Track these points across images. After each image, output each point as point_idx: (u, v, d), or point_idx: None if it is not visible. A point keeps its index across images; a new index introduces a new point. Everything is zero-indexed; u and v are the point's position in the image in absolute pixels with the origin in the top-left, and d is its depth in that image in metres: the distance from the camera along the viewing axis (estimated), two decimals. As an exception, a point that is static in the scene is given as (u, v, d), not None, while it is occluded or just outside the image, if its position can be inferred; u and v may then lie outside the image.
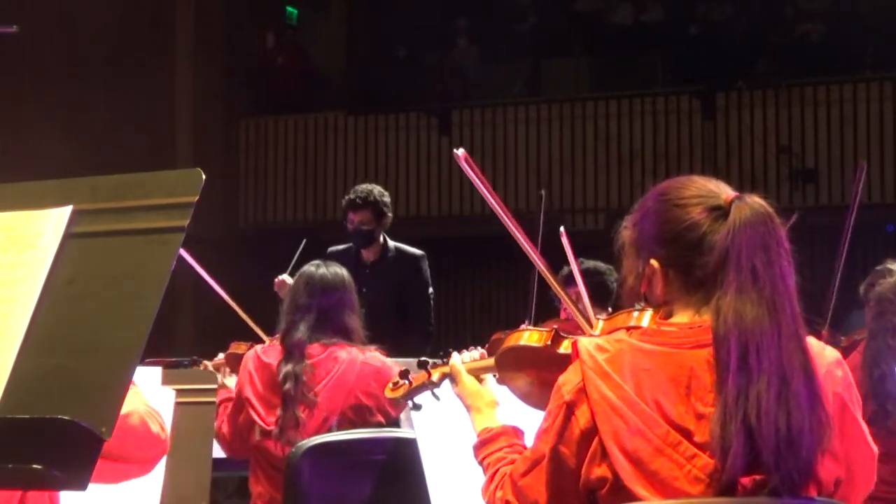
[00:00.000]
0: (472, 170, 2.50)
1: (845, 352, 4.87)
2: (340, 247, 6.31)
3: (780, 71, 11.93)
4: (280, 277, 5.99)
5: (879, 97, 11.33)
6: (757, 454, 1.94)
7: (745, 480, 1.95)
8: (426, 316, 6.29)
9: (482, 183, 2.51)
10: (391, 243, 6.27)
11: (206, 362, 4.99)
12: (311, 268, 4.51)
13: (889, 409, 4.18)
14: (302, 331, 4.33)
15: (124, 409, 2.01)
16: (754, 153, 11.59)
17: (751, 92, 11.70)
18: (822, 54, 11.68)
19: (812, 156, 11.41)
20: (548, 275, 2.71)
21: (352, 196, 6.22)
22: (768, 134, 11.55)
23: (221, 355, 5.03)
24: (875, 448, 2.15)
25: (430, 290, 6.29)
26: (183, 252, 5.14)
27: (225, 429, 4.43)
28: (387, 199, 6.23)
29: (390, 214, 6.24)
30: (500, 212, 2.55)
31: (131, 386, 2.21)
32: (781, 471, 1.95)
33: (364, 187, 6.26)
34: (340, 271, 4.50)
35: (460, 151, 2.47)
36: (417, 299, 6.25)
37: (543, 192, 5.45)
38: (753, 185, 10.71)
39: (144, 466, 2.23)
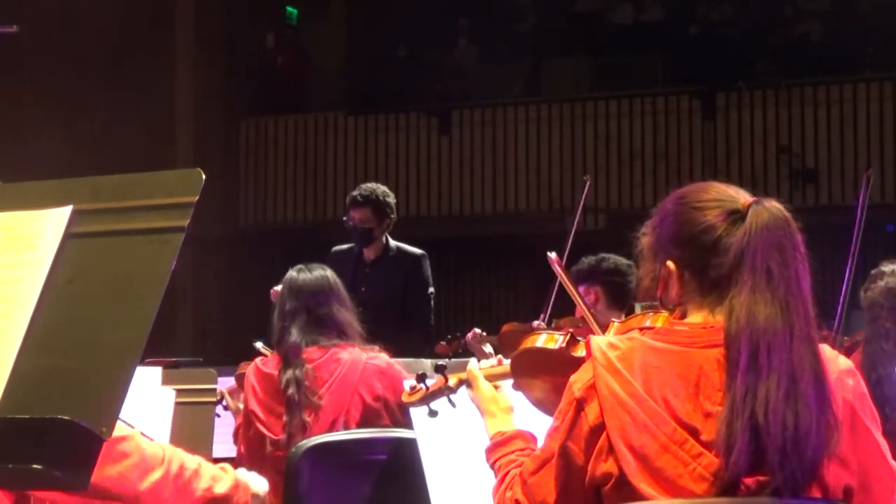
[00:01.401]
0: (562, 272, 2.66)
1: (847, 352, 4.89)
2: (344, 246, 6.32)
3: (780, 71, 11.93)
4: (276, 289, 5.97)
5: (879, 97, 11.34)
6: (762, 453, 1.94)
7: (749, 481, 1.95)
8: (426, 315, 6.26)
9: (570, 285, 2.67)
10: (393, 243, 6.26)
11: (221, 389, 4.96)
12: (293, 273, 4.45)
13: (887, 414, 4.18)
14: (294, 334, 4.28)
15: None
16: (754, 153, 11.59)
17: (751, 92, 11.70)
18: (822, 54, 11.68)
19: (812, 156, 11.42)
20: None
21: (355, 193, 6.21)
22: (768, 134, 11.55)
23: (233, 382, 4.98)
24: (895, 465, 2.12)
25: (431, 290, 6.26)
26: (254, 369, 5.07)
27: (242, 448, 4.40)
28: (390, 200, 6.20)
29: (393, 216, 6.21)
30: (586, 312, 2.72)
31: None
32: (786, 470, 1.94)
33: (369, 186, 6.25)
34: (324, 273, 4.44)
35: (553, 255, 2.58)
36: (417, 298, 6.21)
37: (588, 178, 5.35)
38: (753, 185, 10.71)
39: None
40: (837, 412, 2.01)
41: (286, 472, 3.71)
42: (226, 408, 4.68)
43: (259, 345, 5.02)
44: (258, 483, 2.44)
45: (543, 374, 2.36)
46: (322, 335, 4.32)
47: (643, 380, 2.02)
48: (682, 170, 11.37)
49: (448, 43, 13.29)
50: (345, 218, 6.25)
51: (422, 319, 6.23)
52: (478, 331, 5.83)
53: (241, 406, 4.66)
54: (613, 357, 2.05)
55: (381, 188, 6.23)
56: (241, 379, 4.83)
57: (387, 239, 6.25)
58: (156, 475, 2.10)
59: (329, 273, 4.46)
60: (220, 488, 2.26)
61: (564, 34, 12.87)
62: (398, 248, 6.25)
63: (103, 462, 1.48)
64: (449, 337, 5.88)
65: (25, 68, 10.40)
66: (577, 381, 2.09)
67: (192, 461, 2.22)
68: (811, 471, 1.96)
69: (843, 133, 11.40)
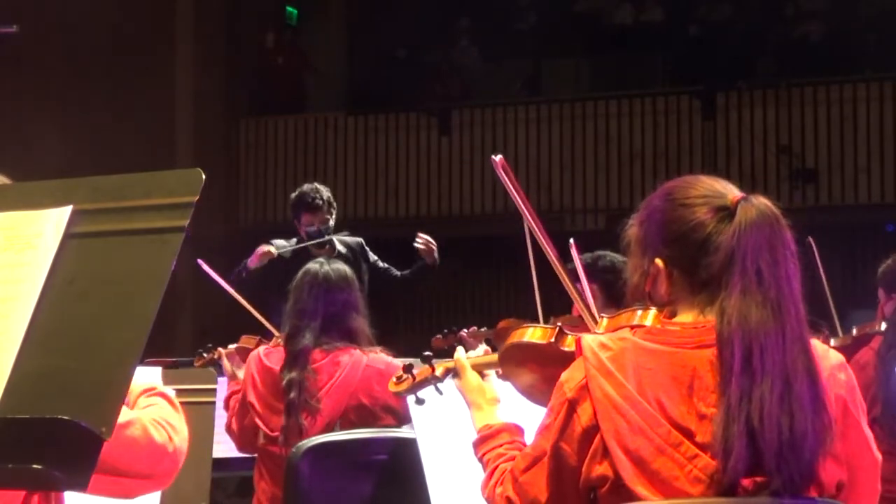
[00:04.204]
0: (508, 177, 2.50)
1: (856, 343, 4.90)
2: (287, 246, 6.36)
3: (780, 71, 11.94)
4: (265, 248, 6.11)
5: (879, 97, 11.34)
6: (759, 456, 1.94)
7: (746, 482, 1.95)
8: (391, 271, 6.46)
9: (517, 191, 2.51)
10: (333, 238, 6.34)
11: (220, 349, 4.99)
12: (314, 266, 4.42)
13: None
14: (308, 338, 4.25)
15: (124, 418, 1.98)
16: (754, 153, 11.60)
17: (751, 92, 11.70)
18: (822, 54, 11.68)
19: (812, 156, 11.42)
20: (563, 275, 2.72)
21: (307, 199, 6.28)
22: (768, 134, 11.55)
23: (233, 346, 5.02)
24: (878, 455, 2.13)
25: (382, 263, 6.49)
26: (214, 275, 5.19)
27: (234, 426, 4.41)
28: (330, 195, 6.39)
29: (335, 211, 6.41)
30: (530, 220, 2.57)
31: (156, 396, 2.20)
32: (783, 473, 1.94)
33: (311, 188, 6.38)
34: (344, 269, 4.43)
35: (498, 158, 2.47)
36: (381, 272, 6.42)
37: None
38: (753, 185, 10.71)
39: (152, 481, 2.12)
40: (831, 411, 2.01)
41: (286, 472, 3.71)
42: (222, 369, 4.71)
43: (201, 262, 5.13)
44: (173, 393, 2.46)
45: (531, 365, 2.35)
46: (331, 339, 4.30)
47: (636, 382, 2.01)
48: (682, 170, 11.35)
49: (448, 43, 13.29)
50: (296, 223, 6.31)
51: (393, 276, 6.43)
52: (475, 327, 5.86)
53: (237, 372, 4.67)
54: (605, 358, 2.04)
55: (322, 187, 6.35)
56: (242, 351, 4.85)
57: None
58: (167, 454, 2.11)
59: (349, 271, 4.44)
60: (185, 429, 2.29)
61: (564, 34, 12.87)
62: (341, 242, 6.33)
63: (113, 446, 1.47)
64: (445, 331, 5.92)
65: (25, 68, 10.40)
66: (569, 381, 2.08)
67: (176, 420, 2.22)
68: (808, 472, 1.96)
69: (843, 133, 11.40)
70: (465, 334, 5.79)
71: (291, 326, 4.33)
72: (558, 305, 5.44)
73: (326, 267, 4.40)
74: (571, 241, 3.66)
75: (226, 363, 4.80)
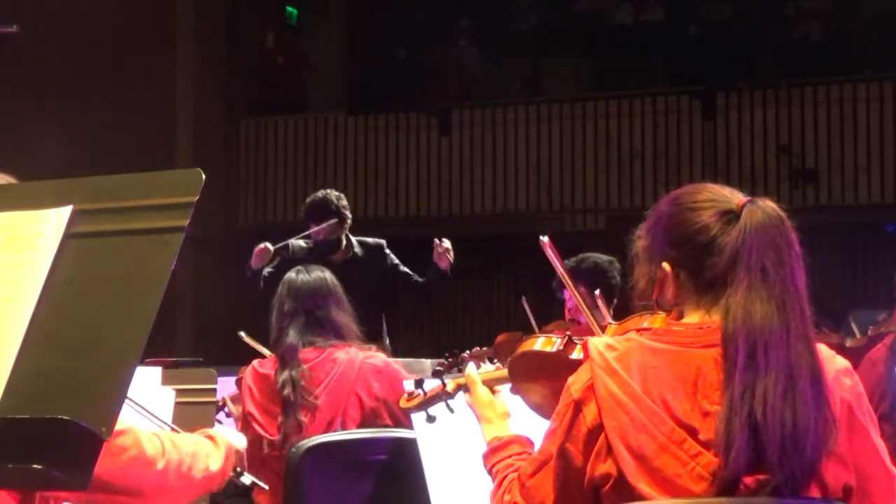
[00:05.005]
0: (554, 254, 2.64)
1: (871, 344, 4.90)
2: (302, 244, 6.34)
3: (780, 71, 11.93)
4: (262, 245, 6.07)
5: (879, 97, 11.34)
6: (761, 451, 1.95)
7: (748, 480, 1.95)
8: (411, 276, 6.40)
9: (562, 266, 2.68)
10: (352, 239, 6.32)
11: (224, 396, 4.95)
12: (291, 274, 4.49)
13: None
14: (292, 335, 4.31)
15: (117, 427, 1.94)
16: (754, 153, 11.59)
17: (751, 92, 11.70)
18: (822, 54, 11.68)
19: (812, 156, 11.42)
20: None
21: (313, 208, 6.25)
22: (768, 134, 11.55)
23: (234, 387, 4.99)
24: (894, 470, 2.11)
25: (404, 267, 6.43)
26: (255, 343, 5.16)
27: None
28: (344, 201, 6.33)
29: (350, 216, 6.29)
30: (574, 292, 2.81)
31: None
32: (785, 469, 1.94)
33: (321, 196, 6.31)
34: (322, 274, 4.48)
35: (545, 239, 2.59)
36: (400, 275, 6.38)
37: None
38: (753, 185, 10.72)
39: (142, 500, 2.08)
40: (835, 410, 2.01)
41: (286, 472, 3.71)
42: (228, 415, 4.67)
43: (242, 334, 5.07)
44: (239, 440, 2.46)
45: (541, 378, 2.35)
46: (319, 336, 4.33)
47: (641, 380, 2.02)
48: (682, 170, 11.37)
49: (448, 43, 13.29)
50: (306, 227, 6.28)
51: (413, 280, 6.37)
52: (477, 348, 5.89)
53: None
54: (611, 358, 2.05)
55: (333, 194, 6.33)
56: (241, 384, 4.83)
57: (347, 237, 6.32)
58: (157, 468, 2.09)
59: (328, 275, 4.49)
60: (215, 464, 2.27)
61: (564, 34, 12.87)
62: (359, 244, 6.31)
63: (102, 456, 1.47)
64: (446, 355, 5.93)
65: (25, 68, 10.39)
66: (575, 383, 2.09)
67: (188, 443, 2.22)
68: (810, 469, 1.97)
69: (843, 133, 11.40)
70: (467, 355, 5.81)
71: (276, 330, 4.41)
72: (557, 312, 5.46)
73: (304, 274, 4.47)
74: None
75: (231, 407, 4.76)
